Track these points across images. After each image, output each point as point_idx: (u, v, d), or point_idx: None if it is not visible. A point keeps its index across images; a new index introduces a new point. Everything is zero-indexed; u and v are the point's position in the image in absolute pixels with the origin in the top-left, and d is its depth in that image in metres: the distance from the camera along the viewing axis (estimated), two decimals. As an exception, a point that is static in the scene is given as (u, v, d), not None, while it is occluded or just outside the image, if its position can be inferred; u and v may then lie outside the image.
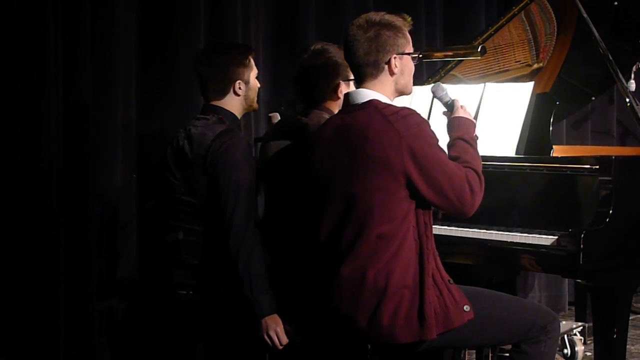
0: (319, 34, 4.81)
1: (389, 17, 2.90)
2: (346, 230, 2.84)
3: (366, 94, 2.89)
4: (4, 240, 3.69)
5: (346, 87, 3.34)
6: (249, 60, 3.41)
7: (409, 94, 3.02)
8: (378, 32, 2.86)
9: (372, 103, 2.85)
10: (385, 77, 2.90)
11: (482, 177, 2.89)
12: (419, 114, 2.85)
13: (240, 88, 3.38)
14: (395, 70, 2.90)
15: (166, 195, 3.45)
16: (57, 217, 3.78)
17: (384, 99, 2.89)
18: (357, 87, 2.95)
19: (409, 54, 2.93)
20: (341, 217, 2.86)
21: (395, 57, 2.88)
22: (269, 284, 3.16)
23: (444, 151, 2.85)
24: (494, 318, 2.95)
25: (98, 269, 3.93)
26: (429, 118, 3.77)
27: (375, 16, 2.90)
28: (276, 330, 3.13)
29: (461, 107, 3.06)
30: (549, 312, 3.09)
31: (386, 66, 2.89)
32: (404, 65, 2.92)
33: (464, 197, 2.82)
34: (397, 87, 2.94)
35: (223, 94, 3.38)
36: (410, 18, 2.97)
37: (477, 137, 3.02)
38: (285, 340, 3.14)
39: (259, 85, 3.46)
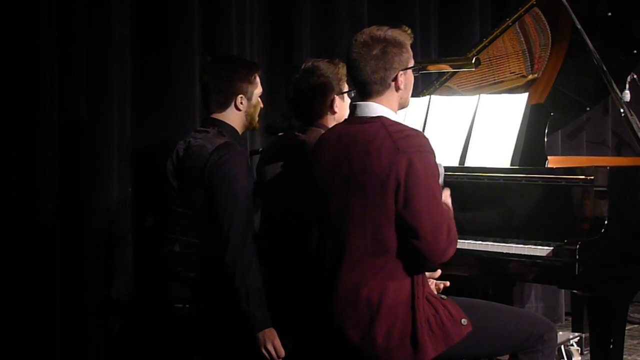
0: (313, 46, 4.82)
1: (392, 33, 2.85)
2: (342, 244, 2.82)
3: (375, 109, 2.86)
4: (0, 255, 3.68)
5: (341, 101, 3.35)
6: (255, 77, 3.39)
7: (407, 107, 3.01)
8: (384, 50, 2.82)
9: (381, 119, 2.83)
10: (391, 93, 2.87)
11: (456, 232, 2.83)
12: (426, 139, 2.80)
13: (241, 103, 3.37)
14: (401, 86, 2.87)
15: (163, 207, 3.45)
16: (53, 231, 3.77)
17: (391, 114, 2.87)
18: (362, 101, 2.90)
19: (411, 68, 2.91)
20: (337, 230, 2.84)
21: (401, 74, 2.86)
22: (266, 297, 3.16)
23: (439, 185, 2.79)
24: (491, 329, 2.94)
25: (94, 283, 3.93)
26: (424, 129, 3.78)
27: (379, 32, 2.84)
28: (273, 343, 3.12)
29: None
30: (545, 322, 3.09)
31: (393, 83, 2.86)
32: (408, 79, 2.90)
33: (439, 237, 2.73)
34: (400, 102, 2.92)
35: (224, 107, 3.37)
36: (410, 30, 2.95)
37: None
38: (282, 353, 3.13)
39: (262, 105, 3.45)
